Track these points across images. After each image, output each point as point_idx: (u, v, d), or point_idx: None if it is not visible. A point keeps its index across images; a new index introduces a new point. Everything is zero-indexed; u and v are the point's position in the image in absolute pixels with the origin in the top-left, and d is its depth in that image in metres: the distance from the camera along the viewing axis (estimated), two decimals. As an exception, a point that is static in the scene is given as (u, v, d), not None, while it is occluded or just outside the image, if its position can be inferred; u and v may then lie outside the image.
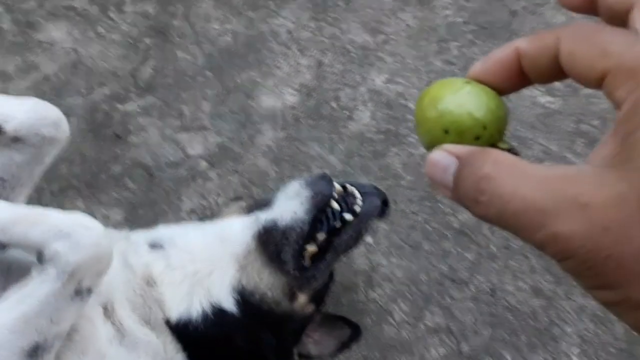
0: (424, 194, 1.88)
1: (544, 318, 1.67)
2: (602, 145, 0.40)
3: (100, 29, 2.25)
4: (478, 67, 0.49)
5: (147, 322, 1.18)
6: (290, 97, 2.12)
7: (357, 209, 1.26)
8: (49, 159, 1.30)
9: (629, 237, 0.35)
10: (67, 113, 2.08)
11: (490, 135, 0.46)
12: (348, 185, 1.30)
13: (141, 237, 1.29)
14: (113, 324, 1.15)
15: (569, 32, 0.42)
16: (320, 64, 2.21)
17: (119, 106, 2.06)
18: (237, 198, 1.58)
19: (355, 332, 1.47)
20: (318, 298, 1.36)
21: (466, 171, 0.43)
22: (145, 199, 1.83)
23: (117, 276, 1.19)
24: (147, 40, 2.24)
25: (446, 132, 0.47)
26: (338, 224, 1.27)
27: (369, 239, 1.77)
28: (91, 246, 0.98)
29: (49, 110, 1.25)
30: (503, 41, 2.45)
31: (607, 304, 0.39)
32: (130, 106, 2.06)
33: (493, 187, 0.40)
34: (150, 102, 2.08)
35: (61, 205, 1.80)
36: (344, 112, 2.08)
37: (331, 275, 1.41)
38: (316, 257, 1.27)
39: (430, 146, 0.48)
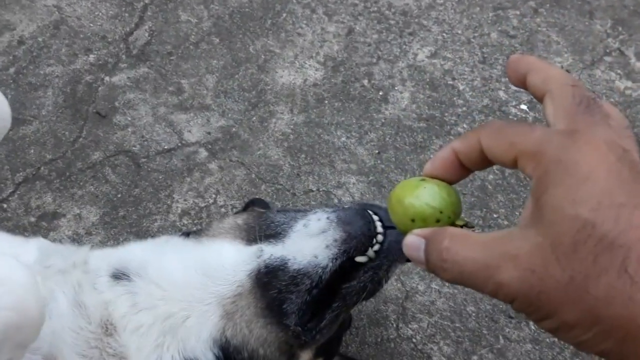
0: (474, 200, 1.50)
1: (623, 367, 1.30)
2: (525, 209, 0.53)
3: (91, -16, 1.89)
4: (429, 167, 0.62)
5: None
6: (313, 72, 1.74)
7: (377, 247, 0.89)
8: None
9: (550, 274, 0.47)
10: (43, 84, 1.75)
11: (447, 217, 0.61)
12: (369, 212, 0.91)
13: (103, 262, 0.97)
14: None
15: (486, 131, 0.56)
16: (350, 31, 1.82)
17: (106, 77, 1.71)
18: (241, 211, 1.23)
19: None
20: (328, 350, 1.02)
21: (431, 247, 0.56)
22: (128, 196, 1.49)
23: (65, 322, 0.89)
24: (145, -2, 1.88)
25: (413, 220, 0.61)
26: (362, 259, 0.91)
27: (403, 256, 1.40)
28: (9, 309, 0.68)
29: None
30: (572, 11, 2.04)
31: (552, 332, 0.49)
32: (119, 78, 1.71)
33: (452, 256, 0.53)
34: (143, 74, 1.72)
35: (26, 201, 1.46)
36: (378, 92, 1.70)
37: (349, 320, 1.06)
38: (320, 305, 0.91)
39: (404, 233, 0.61)
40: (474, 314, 1.33)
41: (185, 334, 0.90)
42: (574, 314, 0.47)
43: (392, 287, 1.36)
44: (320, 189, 1.52)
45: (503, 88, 1.73)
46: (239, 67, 1.74)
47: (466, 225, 0.63)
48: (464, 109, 1.68)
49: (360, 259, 0.88)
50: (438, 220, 0.61)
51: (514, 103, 1.70)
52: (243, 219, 1.00)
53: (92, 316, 0.90)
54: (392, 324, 1.32)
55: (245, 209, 1.31)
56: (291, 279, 0.87)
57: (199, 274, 0.91)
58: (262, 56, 1.77)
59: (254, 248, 0.91)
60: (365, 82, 1.73)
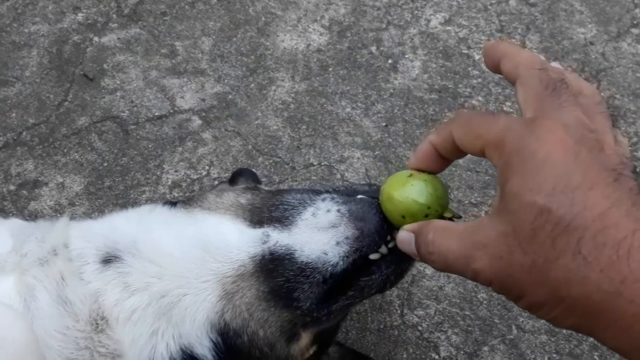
0: (488, 178, 1.39)
1: (644, 361, 1.20)
2: (494, 198, 0.58)
3: (81, -63, 1.76)
4: (412, 160, 0.66)
5: None
6: (317, 37, 1.62)
7: (392, 244, 0.79)
8: None
9: (515, 260, 0.51)
10: (28, 44, 1.63)
11: (435, 210, 0.66)
12: None
13: (87, 244, 0.84)
14: None
15: (456, 124, 0.59)
16: (358, -6, 1.70)
17: (94, 38, 1.59)
18: (229, 182, 1.13)
19: None
20: (324, 338, 0.93)
21: (420, 240, 0.62)
22: (114, 165, 1.38)
23: (49, 324, 0.79)
24: (140, -46, 1.75)
25: (403, 217, 0.67)
26: (375, 256, 0.81)
27: (410, 237, 1.30)
28: None
29: None
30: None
31: (527, 310, 0.54)
32: (109, 39, 1.59)
33: (437, 248, 0.59)
34: (135, 35, 1.60)
35: (5, 168, 1.36)
36: (387, 60, 1.58)
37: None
38: (333, 291, 0.82)
39: (397, 227, 0.68)
40: (485, 302, 1.23)
41: (180, 316, 0.80)
42: (540, 295, 0.52)
43: (397, 270, 1.25)
44: (322, 163, 1.41)
45: (521, 59, 1.61)
46: (237, 29, 1.62)
47: (453, 216, 0.68)
48: (480, 80, 1.56)
49: (373, 256, 0.79)
50: (427, 215, 0.66)
51: (532, 75, 1.58)
52: (247, 199, 0.89)
53: (79, 313, 0.79)
54: (397, 309, 1.22)
55: (232, 179, 1.21)
56: (299, 270, 0.78)
57: (197, 248, 0.81)
58: (263, 18, 1.65)
59: (259, 232, 0.81)
60: (374, 48, 1.61)
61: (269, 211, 0.83)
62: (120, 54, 1.56)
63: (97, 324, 0.79)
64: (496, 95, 1.54)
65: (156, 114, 1.46)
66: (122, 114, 1.45)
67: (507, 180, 0.52)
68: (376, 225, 0.77)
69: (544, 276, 0.50)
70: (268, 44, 1.60)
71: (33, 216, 1.30)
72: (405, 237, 0.65)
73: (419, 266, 1.26)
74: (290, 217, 0.80)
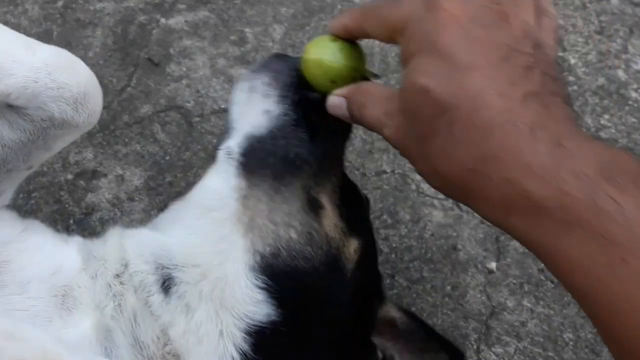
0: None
1: None
2: None
3: None
4: (329, 29, 0.71)
5: None
6: (397, 30, 1.49)
7: None
8: (58, 145, 0.82)
9: (406, 132, 0.58)
10: (92, 22, 1.56)
11: (361, 73, 0.71)
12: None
13: (147, 267, 0.78)
14: None
15: (365, 12, 0.65)
16: (444, -16, 1.55)
17: (161, 19, 1.50)
18: None
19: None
20: (352, 222, 0.84)
21: (351, 105, 0.67)
22: (177, 159, 1.30)
23: None
24: None
25: (333, 82, 0.70)
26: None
27: (491, 263, 1.18)
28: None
29: (71, 73, 0.75)
30: None
31: (419, 174, 0.62)
32: (176, 21, 1.50)
33: (365, 110, 0.64)
34: (203, 18, 1.50)
35: (64, 155, 1.30)
36: (472, 60, 1.44)
37: (367, 199, 0.97)
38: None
39: (322, 93, 0.71)
40: (571, 343, 1.11)
41: (230, 291, 0.75)
42: (422, 166, 0.58)
43: (475, 300, 1.14)
44: (396, 171, 1.30)
45: (623, 66, 1.45)
46: (311, 17, 1.51)
47: (374, 76, 0.76)
48: (575, 87, 1.41)
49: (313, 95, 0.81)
50: (354, 78, 0.70)
51: (635, 86, 1.42)
52: None
53: (153, 356, 0.73)
54: (472, 345, 1.11)
55: None
56: (272, 139, 0.79)
57: (205, 216, 0.79)
58: (339, 6, 1.53)
59: (221, 155, 0.82)
60: (458, 46, 1.47)
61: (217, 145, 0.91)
62: (187, 39, 1.47)
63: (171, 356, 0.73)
64: (593, 106, 1.39)
65: (222, 106, 1.37)
66: (187, 104, 1.37)
67: (405, 64, 0.57)
68: (281, 61, 0.83)
69: (424, 150, 0.55)
70: (344, 35, 1.48)
71: (90, 209, 1.24)
72: (336, 102, 0.69)
73: (500, 298, 1.15)
74: (226, 125, 0.85)
